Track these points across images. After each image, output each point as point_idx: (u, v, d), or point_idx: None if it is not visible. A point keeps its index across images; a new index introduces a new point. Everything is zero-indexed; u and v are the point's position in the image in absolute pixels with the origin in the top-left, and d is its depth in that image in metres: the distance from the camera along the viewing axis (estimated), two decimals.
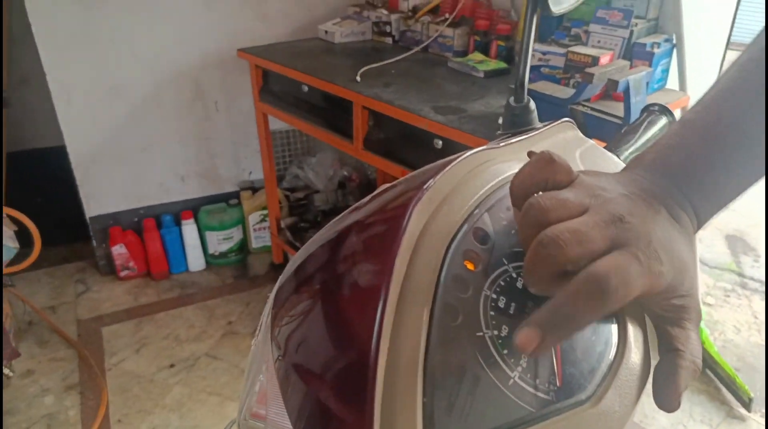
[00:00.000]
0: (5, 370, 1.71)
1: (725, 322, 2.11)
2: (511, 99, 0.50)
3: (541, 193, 0.32)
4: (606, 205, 0.32)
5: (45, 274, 2.39)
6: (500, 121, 0.55)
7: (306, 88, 1.82)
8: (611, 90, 1.30)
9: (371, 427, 0.27)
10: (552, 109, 1.27)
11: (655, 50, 1.43)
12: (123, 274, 2.36)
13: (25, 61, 2.39)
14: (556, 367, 0.31)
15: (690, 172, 0.36)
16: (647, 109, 0.55)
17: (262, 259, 2.52)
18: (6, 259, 1.93)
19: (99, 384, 1.84)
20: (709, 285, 2.35)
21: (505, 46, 1.76)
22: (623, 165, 0.42)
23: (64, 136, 2.12)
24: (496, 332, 0.30)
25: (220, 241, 2.43)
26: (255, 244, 2.53)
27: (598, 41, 1.48)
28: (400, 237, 0.31)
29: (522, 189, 0.33)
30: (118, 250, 2.31)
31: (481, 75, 1.67)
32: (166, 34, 2.12)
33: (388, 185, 0.39)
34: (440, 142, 1.44)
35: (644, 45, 1.44)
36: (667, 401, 0.31)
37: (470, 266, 0.32)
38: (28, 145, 2.60)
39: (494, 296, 0.31)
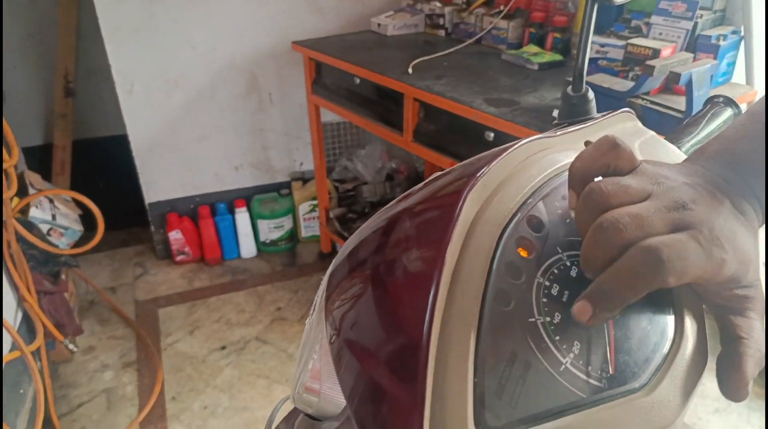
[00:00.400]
0: (70, 345, 1.81)
1: None
2: (569, 88, 0.49)
3: (601, 178, 0.32)
4: (669, 193, 0.32)
5: (106, 257, 2.51)
6: (555, 113, 0.54)
7: (358, 81, 1.83)
8: (672, 83, 1.25)
9: (422, 406, 0.27)
10: (609, 102, 1.24)
11: (721, 43, 1.37)
12: (178, 258, 2.45)
13: (92, 54, 2.51)
14: (609, 355, 0.31)
15: (756, 164, 0.35)
16: (711, 101, 0.53)
17: (311, 248, 2.57)
18: (71, 240, 2.04)
19: (155, 363, 1.92)
20: None
21: (561, 38, 1.72)
22: (684, 157, 0.41)
23: (126, 125, 2.21)
24: (548, 318, 0.30)
25: (271, 230, 2.49)
26: (304, 233, 2.57)
27: (660, 33, 1.43)
28: (454, 222, 0.31)
29: (582, 172, 0.33)
30: (175, 236, 2.40)
31: (536, 67, 1.65)
32: (223, 27, 2.17)
33: (440, 173, 0.40)
34: (492, 135, 1.43)
35: (709, 37, 1.38)
36: (735, 390, 0.31)
37: (524, 253, 0.32)
38: (93, 133, 2.73)
39: (547, 284, 0.31)
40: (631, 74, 1.37)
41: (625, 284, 0.29)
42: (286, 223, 2.51)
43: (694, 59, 1.32)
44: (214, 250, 2.46)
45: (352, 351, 0.33)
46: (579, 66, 0.49)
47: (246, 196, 2.50)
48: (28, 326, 1.62)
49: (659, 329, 0.32)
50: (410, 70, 1.67)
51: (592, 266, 0.30)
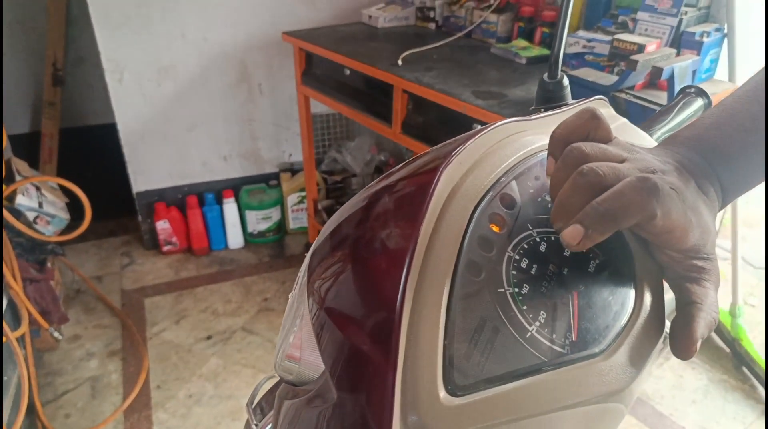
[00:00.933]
0: (55, 333, 1.81)
1: None
2: (545, 75, 0.51)
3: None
4: (642, 161, 0.34)
5: (92, 246, 2.50)
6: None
7: (348, 72, 1.84)
8: (656, 78, 1.28)
9: (395, 365, 0.29)
10: (593, 96, 1.25)
11: (705, 39, 1.39)
12: (166, 248, 2.45)
13: (81, 41, 2.50)
14: (572, 323, 0.32)
15: (722, 152, 0.37)
16: (683, 91, 0.55)
17: (299, 239, 2.58)
18: (57, 229, 2.03)
19: (140, 351, 1.92)
20: (752, 285, 2.28)
21: (549, 33, 1.74)
22: (655, 143, 0.43)
23: (115, 113, 2.20)
24: (517, 289, 0.32)
25: (259, 221, 2.50)
26: (292, 224, 2.58)
27: (646, 29, 1.46)
28: (429, 197, 0.33)
29: (563, 137, 0.34)
30: (162, 226, 2.40)
31: (524, 61, 1.66)
32: (214, 16, 2.17)
33: (419, 155, 0.41)
34: (479, 127, 1.44)
35: (693, 34, 1.40)
36: (683, 348, 0.33)
37: (495, 228, 0.33)
38: (81, 121, 2.72)
39: (517, 257, 0.33)
40: (616, 69, 1.39)
41: (621, 205, 0.30)
42: (274, 214, 2.51)
43: (678, 55, 1.35)
44: (201, 241, 2.46)
45: (333, 319, 0.34)
46: (555, 53, 0.50)
47: (234, 187, 2.50)
48: (12, 313, 1.62)
49: (620, 300, 0.34)
50: (400, 62, 1.68)
51: (568, 213, 0.32)
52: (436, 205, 0.33)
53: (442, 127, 1.58)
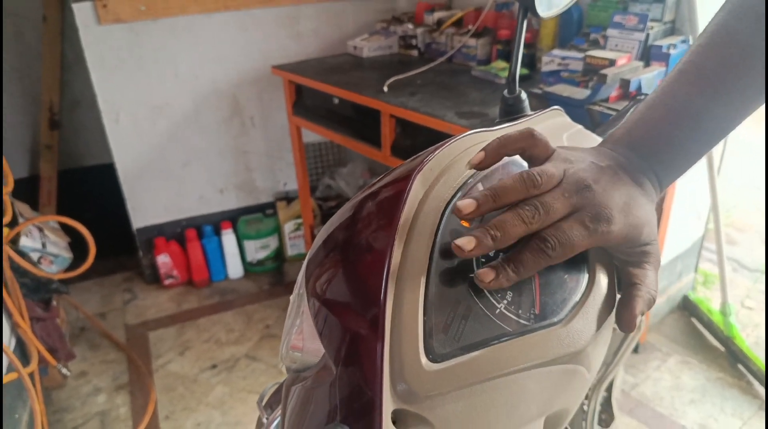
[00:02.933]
0: (63, 370, 1.84)
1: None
2: (505, 91, 0.57)
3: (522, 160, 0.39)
4: (577, 173, 0.39)
5: (95, 284, 2.53)
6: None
7: (337, 101, 1.91)
8: (626, 90, 1.35)
9: (383, 339, 0.34)
10: (570, 110, 1.32)
11: (671, 51, 1.47)
12: (167, 282, 2.49)
13: (76, 85, 2.58)
14: (535, 298, 0.38)
15: (652, 146, 0.44)
16: (633, 98, 0.61)
17: (297, 266, 2.62)
18: (61, 268, 2.07)
19: (147, 384, 1.95)
20: (748, 287, 2.33)
21: (526, 54, 1.82)
22: None
23: (113, 153, 2.26)
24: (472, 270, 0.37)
25: (258, 250, 2.54)
26: (290, 251, 2.63)
27: (616, 45, 1.54)
28: (405, 197, 0.39)
29: (499, 144, 0.40)
30: (162, 260, 2.44)
31: (503, 82, 1.74)
32: (205, 54, 2.25)
33: (396, 166, 0.47)
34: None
35: (660, 47, 1.48)
36: (626, 322, 0.39)
37: (465, 224, 0.39)
38: (78, 163, 2.78)
39: None
40: (590, 83, 1.46)
41: (525, 265, 0.37)
42: (272, 242, 2.56)
43: (647, 67, 1.42)
44: (201, 272, 2.50)
45: (330, 309, 0.40)
46: (512, 72, 0.57)
47: (231, 218, 2.55)
48: (21, 351, 1.65)
49: (575, 278, 0.40)
50: (386, 89, 1.75)
51: (506, 241, 0.37)
52: (412, 205, 0.39)
53: (431, 146, 1.64)
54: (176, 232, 2.50)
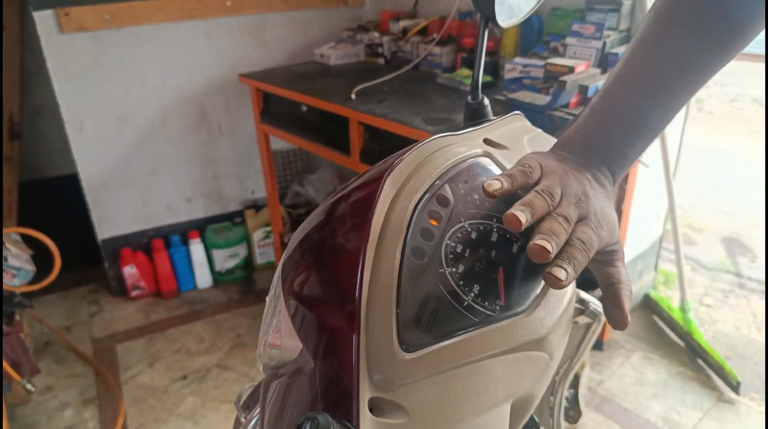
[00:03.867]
0: (27, 386, 1.79)
1: (725, 322, 2.19)
2: (469, 97, 0.60)
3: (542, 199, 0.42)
4: (570, 188, 0.43)
5: (59, 297, 2.48)
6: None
7: (305, 108, 1.93)
8: (585, 95, 1.40)
9: (358, 331, 0.36)
10: (532, 116, 1.36)
11: None
12: (134, 293, 2.45)
13: (37, 94, 2.53)
14: (500, 291, 0.40)
15: (604, 146, 0.48)
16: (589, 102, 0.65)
17: (267, 274, 2.61)
18: (24, 281, 2.02)
19: (116, 397, 1.92)
20: (706, 285, 2.42)
21: (489, 61, 1.87)
22: None
23: (77, 162, 2.23)
24: (453, 269, 0.40)
25: (227, 259, 2.53)
26: (260, 260, 2.62)
27: (575, 53, 1.60)
28: (377, 198, 0.41)
29: (514, 186, 0.43)
30: (129, 271, 2.41)
31: (468, 88, 1.78)
32: (172, 63, 2.24)
33: (366, 170, 0.50)
34: None
35: (617, 54, 1.55)
36: (619, 322, 0.43)
37: (434, 222, 0.42)
38: (40, 174, 2.72)
39: (453, 244, 0.41)
40: (551, 90, 1.52)
41: (580, 262, 0.39)
42: (241, 251, 2.55)
43: (603, 73, 1.48)
44: (169, 283, 2.47)
45: (307, 306, 0.42)
46: (475, 78, 0.60)
47: (199, 227, 2.53)
48: None
49: (537, 272, 0.42)
50: (354, 96, 1.77)
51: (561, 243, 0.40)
52: (383, 205, 0.41)
53: (398, 151, 1.67)
54: (143, 243, 2.46)
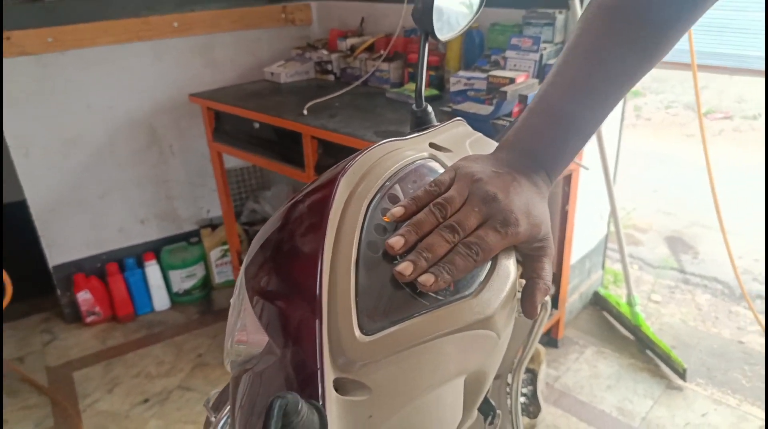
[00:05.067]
0: None
1: (673, 316, 2.31)
2: (414, 105, 0.65)
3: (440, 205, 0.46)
4: (483, 187, 0.47)
5: (8, 328, 2.40)
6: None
7: (257, 125, 1.95)
8: (525, 104, 1.49)
9: (321, 318, 0.40)
10: (476, 125, 1.43)
11: None
12: (89, 319, 2.39)
13: None
14: None
15: (540, 148, 0.52)
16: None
17: (226, 293, 2.60)
18: None
19: (75, 425, 1.87)
20: (652, 283, 2.55)
21: (435, 76, 1.95)
22: None
23: (24, 189, 2.18)
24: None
25: (184, 279, 2.50)
26: (218, 279, 2.61)
27: (515, 65, 1.69)
28: (332, 198, 0.45)
29: (416, 203, 0.47)
30: (83, 297, 2.35)
31: None
32: (119, 85, 2.23)
33: (320, 175, 0.54)
34: None
35: (552, 65, 1.64)
36: (528, 311, 0.48)
37: (386, 219, 0.46)
38: None
39: None
40: (494, 100, 1.59)
41: (458, 268, 0.44)
42: (198, 271, 2.53)
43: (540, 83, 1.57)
44: (125, 307, 2.43)
45: (272, 301, 0.45)
46: (419, 88, 0.65)
47: (155, 249, 2.50)
48: None
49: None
50: (305, 112, 1.81)
51: (437, 257, 0.44)
52: (339, 204, 0.45)
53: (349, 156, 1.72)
54: (96, 267, 2.42)
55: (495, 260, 0.47)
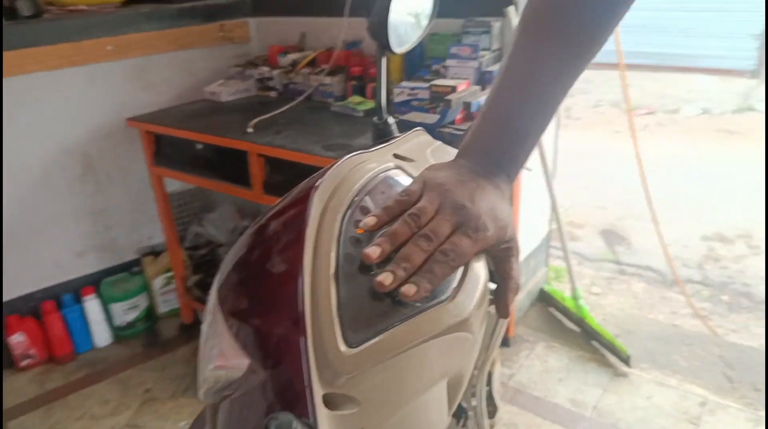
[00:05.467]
0: None
1: (612, 306, 2.43)
2: (375, 118, 0.68)
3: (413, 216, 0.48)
4: (452, 196, 0.49)
5: None
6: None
7: (200, 146, 1.92)
8: (469, 111, 1.54)
9: (305, 335, 0.40)
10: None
11: None
12: (24, 363, 2.24)
13: None
14: None
15: (494, 150, 0.55)
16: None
17: (172, 322, 2.50)
18: None
19: None
20: (592, 276, 2.67)
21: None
22: None
23: None
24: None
25: (126, 312, 2.39)
26: (162, 308, 2.51)
27: (455, 73, 1.75)
28: (308, 213, 0.46)
29: (388, 214, 0.49)
30: (17, 339, 2.20)
31: (361, 114, 1.88)
32: (51, 113, 2.13)
33: (290, 191, 0.55)
34: None
35: (491, 72, 1.72)
36: (502, 310, 0.51)
37: (360, 231, 0.48)
38: None
39: None
40: (438, 109, 1.64)
41: (437, 275, 0.45)
42: (141, 301, 2.43)
43: (483, 90, 1.64)
44: (64, 346, 2.29)
45: (249, 322, 0.45)
46: (378, 101, 0.68)
47: (94, 282, 2.38)
48: None
49: None
50: (250, 130, 1.80)
51: (415, 267, 0.46)
52: (314, 220, 0.46)
53: (301, 180, 1.71)
54: (30, 306, 2.27)
55: (466, 264, 0.49)
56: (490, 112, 0.55)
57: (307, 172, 1.68)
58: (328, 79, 2.03)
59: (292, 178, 1.74)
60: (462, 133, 1.49)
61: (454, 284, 0.47)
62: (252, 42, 2.54)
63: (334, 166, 0.50)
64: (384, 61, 0.71)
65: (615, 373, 2.01)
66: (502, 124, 0.54)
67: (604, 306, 2.42)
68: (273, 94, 2.22)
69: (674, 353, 2.11)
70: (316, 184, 0.48)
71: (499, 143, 0.54)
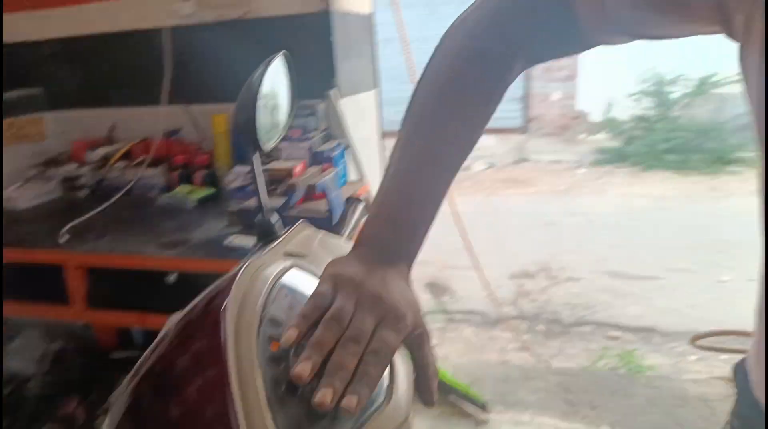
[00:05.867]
0: None
1: (450, 354, 2.54)
2: (257, 219, 0.66)
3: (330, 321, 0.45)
4: (368, 290, 0.48)
5: None
6: (230, 239, 0.67)
7: None
8: (311, 192, 1.54)
9: None
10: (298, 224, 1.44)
11: (333, 154, 1.75)
12: None
13: None
14: None
15: (393, 242, 0.55)
16: (349, 201, 0.76)
17: None
18: None
19: None
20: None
21: (208, 173, 1.89)
22: (346, 242, 0.60)
23: None
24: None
25: None
26: None
27: (289, 154, 1.74)
28: (225, 342, 0.42)
29: (304, 321, 0.46)
30: None
31: (195, 203, 1.76)
32: None
33: (180, 317, 0.50)
34: (174, 275, 1.46)
35: (323, 152, 1.75)
36: (428, 399, 0.49)
37: (274, 347, 0.44)
38: None
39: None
40: (279, 192, 1.61)
41: (373, 377, 0.43)
42: None
43: (323, 170, 1.65)
44: None
45: None
46: (261, 202, 0.67)
47: None
48: None
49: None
50: (64, 238, 1.57)
51: (350, 372, 0.43)
52: (232, 349, 0.42)
53: (135, 286, 1.54)
54: None
55: (393, 362, 0.48)
56: (383, 209, 0.57)
57: (143, 276, 1.52)
58: (150, 171, 1.88)
59: (122, 285, 1.55)
60: (310, 214, 1.48)
61: (386, 383, 0.45)
62: (48, 140, 2.26)
63: (237, 278, 0.47)
64: (258, 157, 0.70)
65: (476, 422, 2.09)
66: (395, 220, 0.56)
67: (446, 357, 2.53)
68: (83, 193, 1.98)
69: (520, 390, 2.27)
70: (224, 305, 0.44)
71: (394, 236, 0.55)
